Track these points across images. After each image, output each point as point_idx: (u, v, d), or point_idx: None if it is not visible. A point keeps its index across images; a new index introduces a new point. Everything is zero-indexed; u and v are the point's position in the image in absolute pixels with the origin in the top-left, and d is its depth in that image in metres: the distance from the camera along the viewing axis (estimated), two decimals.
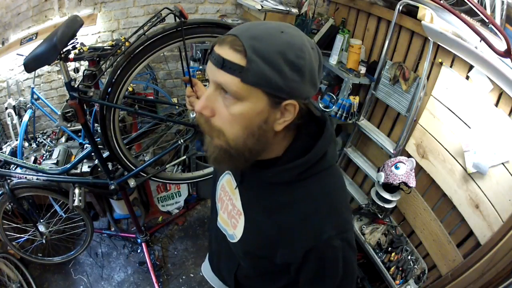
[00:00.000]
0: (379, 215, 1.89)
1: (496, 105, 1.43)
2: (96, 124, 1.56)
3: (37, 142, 1.97)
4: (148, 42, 1.09)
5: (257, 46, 0.53)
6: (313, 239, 0.64)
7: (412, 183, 1.65)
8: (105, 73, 1.19)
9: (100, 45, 2.07)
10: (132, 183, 1.51)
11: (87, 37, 2.05)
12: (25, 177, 1.53)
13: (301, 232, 0.65)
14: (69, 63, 1.25)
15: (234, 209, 0.78)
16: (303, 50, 0.55)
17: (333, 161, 0.68)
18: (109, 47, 1.62)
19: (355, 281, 0.77)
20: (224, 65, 0.55)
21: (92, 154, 1.51)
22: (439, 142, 1.67)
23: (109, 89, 1.15)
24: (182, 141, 1.45)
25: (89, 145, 1.45)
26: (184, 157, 1.83)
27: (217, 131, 0.61)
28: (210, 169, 1.70)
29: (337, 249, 0.64)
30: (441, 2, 1.48)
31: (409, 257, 1.83)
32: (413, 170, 1.66)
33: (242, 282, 0.92)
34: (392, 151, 1.92)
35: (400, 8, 1.78)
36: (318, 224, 0.64)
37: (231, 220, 0.80)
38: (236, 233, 0.78)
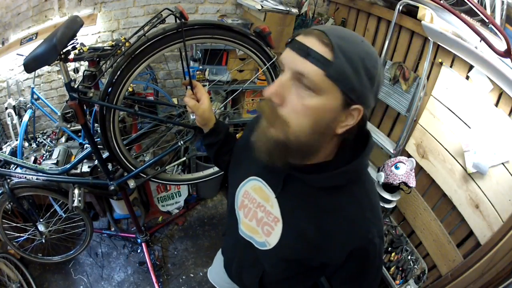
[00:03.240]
0: None
1: (496, 105, 1.43)
2: (96, 124, 1.56)
3: (37, 142, 1.96)
4: (148, 43, 1.08)
5: (343, 45, 0.56)
6: (359, 239, 0.68)
7: (412, 183, 1.65)
8: (105, 74, 1.18)
9: (100, 45, 2.07)
10: (131, 184, 1.51)
11: (87, 37, 2.05)
12: (25, 177, 1.53)
13: (349, 234, 0.68)
14: (69, 64, 1.24)
15: (269, 216, 0.78)
16: (377, 62, 0.59)
17: (367, 166, 0.73)
18: (109, 47, 1.61)
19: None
20: (309, 54, 0.56)
21: (92, 154, 1.51)
22: (439, 142, 1.67)
23: (109, 90, 1.15)
24: (182, 142, 1.43)
25: (89, 145, 1.45)
26: (184, 158, 1.83)
27: (282, 121, 0.60)
28: (210, 171, 1.69)
29: (377, 245, 0.69)
30: (441, 2, 1.48)
31: (409, 257, 1.83)
32: (413, 170, 1.66)
33: (267, 287, 0.91)
34: (392, 151, 1.92)
35: (400, 8, 1.78)
36: (364, 225, 0.68)
37: (263, 227, 0.79)
38: (269, 240, 0.78)
